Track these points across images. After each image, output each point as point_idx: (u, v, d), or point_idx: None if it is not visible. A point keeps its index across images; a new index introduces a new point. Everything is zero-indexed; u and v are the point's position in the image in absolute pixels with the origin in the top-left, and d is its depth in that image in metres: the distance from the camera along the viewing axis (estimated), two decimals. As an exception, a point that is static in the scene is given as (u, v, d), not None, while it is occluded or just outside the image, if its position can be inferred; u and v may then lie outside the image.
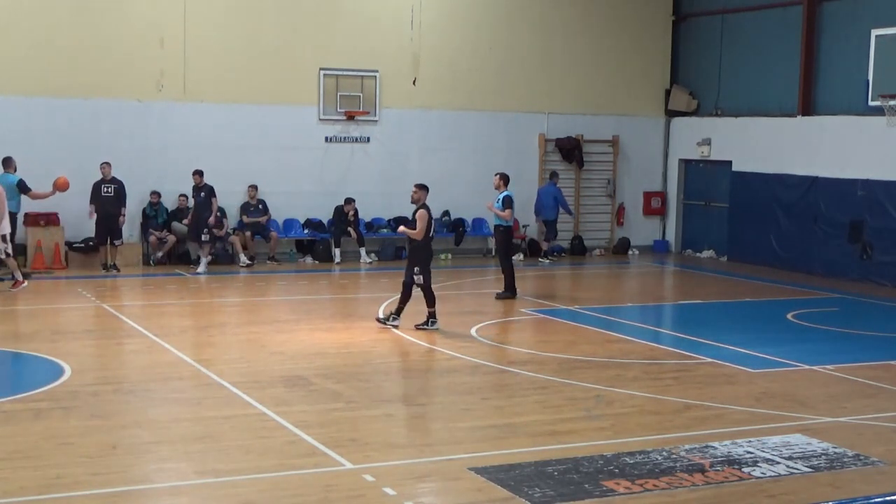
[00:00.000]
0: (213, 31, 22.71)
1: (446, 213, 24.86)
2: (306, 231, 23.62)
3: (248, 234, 22.64)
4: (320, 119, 23.79)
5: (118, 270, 20.78)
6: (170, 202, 22.46)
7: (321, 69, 23.56)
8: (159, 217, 22.18)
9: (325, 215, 23.73)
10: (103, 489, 8.01)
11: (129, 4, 22.07)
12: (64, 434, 9.47)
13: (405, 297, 15.20)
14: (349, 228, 23.31)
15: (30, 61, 21.34)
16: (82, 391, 11.06)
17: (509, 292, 18.26)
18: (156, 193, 22.16)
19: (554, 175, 25.05)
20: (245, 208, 22.85)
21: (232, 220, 22.68)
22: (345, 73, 23.77)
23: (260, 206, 22.95)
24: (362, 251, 23.44)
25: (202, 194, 21.34)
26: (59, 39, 21.53)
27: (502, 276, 18.55)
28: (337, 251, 23.25)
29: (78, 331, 15.13)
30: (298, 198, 23.57)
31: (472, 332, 14.90)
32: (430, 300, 15.14)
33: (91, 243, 21.47)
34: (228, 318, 16.34)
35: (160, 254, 22.08)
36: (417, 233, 15.19)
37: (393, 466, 8.74)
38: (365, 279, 21.85)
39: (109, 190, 20.97)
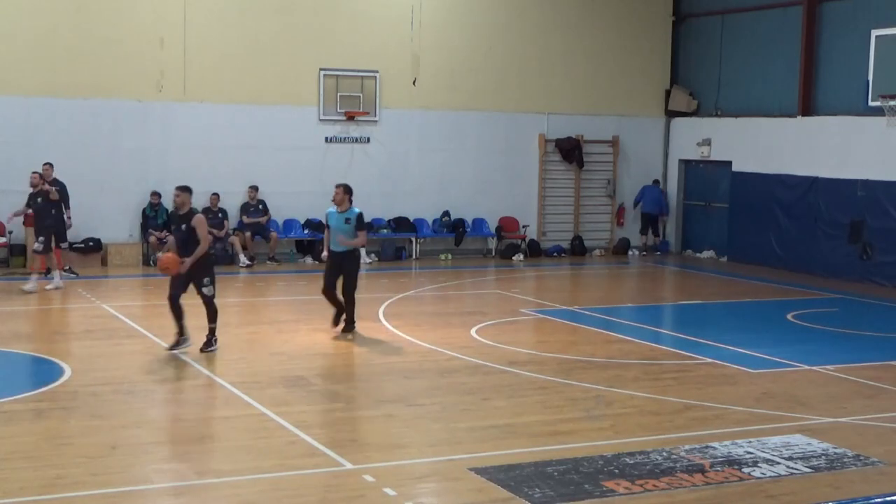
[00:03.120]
0: (213, 32, 22.71)
1: (446, 213, 24.85)
2: (306, 231, 23.61)
3: (247, 234, 22.63)
4: (320, 119, 23.79)
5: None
6: (169, 203, 22.46)
7: (321, 69, 23.56)
8: (159, 217, 22.16)
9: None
10: (103, 489, 8.01)
11: (129, 5, 22.06)
12: (64, 434, 9.47)
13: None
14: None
15: (30, 61, 21.34)
16: (82, 391, 11.06)
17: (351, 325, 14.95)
18: (156, 194, 22.14)
19: (657, 182, 26.36)
20: (245, 209, 22.85)
21: (232, 221, 22.68)
22: (345, 73, 23.77)
23: (260, 207, 22.95)
24: (362, 251, 23.41)
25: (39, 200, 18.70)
26: (59, 39, 21.52)
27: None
28: (337, 251, 23.22)
29: (78, 331, 15.13)
30: (298, 198, 23.56)
31: (473, 332, 14.90)
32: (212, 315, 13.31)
33: (90, 244, 21.47)
34: (228, 319, 16.30)
35: (159, 254, 22.07)
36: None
37: (393, 467, 8.74)
38: (364, 279, 21.77)
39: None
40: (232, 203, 22.76)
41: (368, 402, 11.00)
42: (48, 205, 18.42)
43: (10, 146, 20.89)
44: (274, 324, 15.57)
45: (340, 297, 14.58)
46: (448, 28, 24.79)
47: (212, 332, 13.23)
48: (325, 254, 14.77)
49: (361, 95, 23.99)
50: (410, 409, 10.67)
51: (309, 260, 23.27)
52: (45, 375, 11.61)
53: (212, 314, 13.20)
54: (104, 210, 21.74)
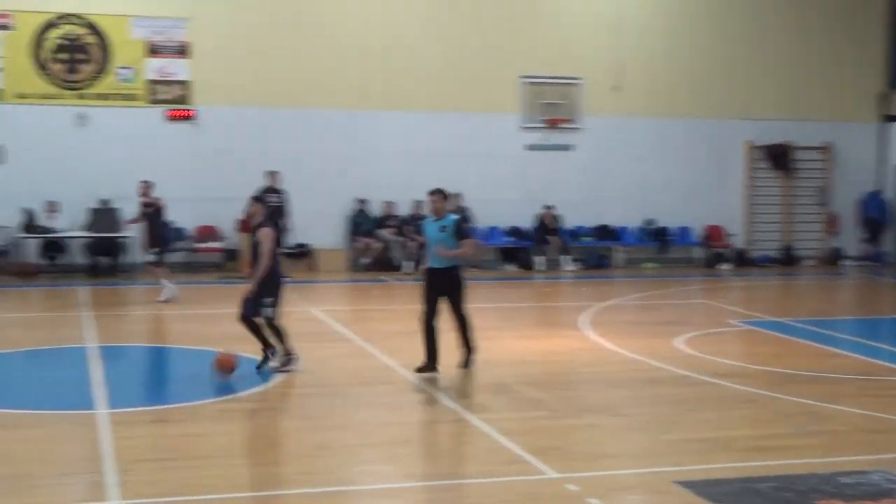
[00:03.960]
0: (417, 41, 23.12)
1: (650, 221, 24.49)
2: (508, 239, 23.68)
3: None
4: (521, 127, 23.85)
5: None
6: (375, 209, 22.94)
7: (522, 77, 23.61)
8: (365, 223, 22.64)
9: (528, 223, 23.75)
10: (312, 489, 8.18)
11: (335, 18, 22.70)
12: (275, 434, 9.74)
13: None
14: (551, 236, 23.25)
15: (246, 74, 22.24)
16: (292, 393, 11.37)
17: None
18: (361, 200, 22.64)
19: (878, 191, 25.68)
20: (448, 216, 23.10)
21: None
22: (547, 80, 23.75)
23: (462, 214, 23.15)
24: (565, 259, 23.34)
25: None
26: (273, 53, 22.35)
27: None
28: (539, 259, 23.22)
29: (289, 334, 15.55)
30: (500, 206, 23.67)
31: (677, 342, 14.59)
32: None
33: (301, 249, 22.12)
34: (432, 324, 16.49)
35: (366, 259, 22.55)
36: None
37: (597, 477, 8.62)
38: (567, 288, 21.74)
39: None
40: (435, 210, 23.06)
41: (572, 411, 10.90)
42: (156, 215, 18.17)
43: (224, 155, 21.86)
44: (477, 330, 15.61)
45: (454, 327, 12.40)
46: (651, 33, 24.47)
47: (287, 351, 12.25)
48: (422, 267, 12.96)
49: (563, 103, 23.92)
50: (614, 419, 10.51)
51: (511, 267, 23.33)
52: (257, 377, 11.97)
53: (277, 337, 12.22)
54: (314, 216, 22.35)
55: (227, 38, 22.30)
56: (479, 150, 23.57)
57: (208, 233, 22.35)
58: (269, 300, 12.05)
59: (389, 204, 22.91)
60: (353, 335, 14.82)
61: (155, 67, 22.25)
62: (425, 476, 8.61)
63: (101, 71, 22.01)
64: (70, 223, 21.25)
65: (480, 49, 23.53)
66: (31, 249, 21.43)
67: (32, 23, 21.66)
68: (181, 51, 22.28)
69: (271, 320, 12.11)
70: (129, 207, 21.42)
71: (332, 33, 22.76)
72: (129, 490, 7.86)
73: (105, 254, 21.48)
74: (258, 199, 12.65)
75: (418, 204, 22.61)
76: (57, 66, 21.82)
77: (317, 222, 22.53)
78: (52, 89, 21.78)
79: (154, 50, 22.22)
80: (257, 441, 9.50)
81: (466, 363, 12.39)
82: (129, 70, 22.12)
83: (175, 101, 22.32)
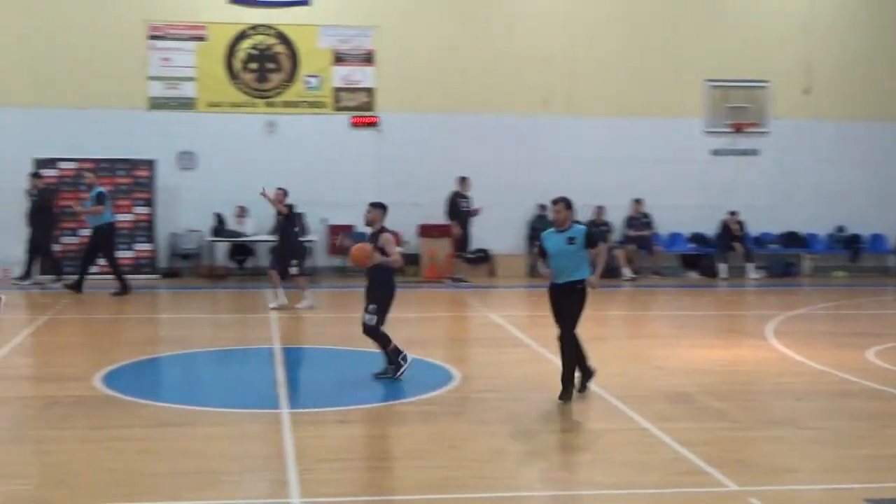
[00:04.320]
0: (598, 46, 22.94)
1: (841, 228, 23.64)
2: (691, 245, 23.23)
3: (632, 247, 22.58)
4: (705, 131, 23.37)
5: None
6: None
7: (706, 80, 23.14)
8: (545, 229, 22.60)
9: (711, 229, 23.25)
10: (489, 493, 8.16)
11: (517, 23, 22.75)
12: (453, 437, 9.77)
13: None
14: (735, 243, 22.70)
15: (428, 81, 22.53)
16: (470, 397, 11.39)
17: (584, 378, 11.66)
18: (541, 206, 22.59)
19: None
20: (630, 222, 22.82)
21: (617, 233, 22.73)
22: (732, 84, 23.22)
23: (644, 220, 22.84)
24: (749, 266, 22.74)
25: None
26: (456, 59, 22.57)
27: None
28: (722, 266, 22.71)
29: (467, 338, 15.66)
30: (683, 211, 23.25)
31: (869, 354, 13.99)
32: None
33: (480, 254, 22.23)
34: (610, 332, 16.31)
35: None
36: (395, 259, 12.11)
37: (781, 491, 8.32)
38: (751, 296, 21.17)
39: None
40: (615, 216, 22.81)
41: (755, 423, 10.57)
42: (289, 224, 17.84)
43: (404, 162, 22.20)
44: (656, 338, 15.38)
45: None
46: (843, 33, 23.62)
47: (388, 358, 11.94)
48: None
49: (750, 106, 23.33)
50: (800, 433, 10.13)
51: (693, 274, 22.88)
52: (436, 380, 12.05)
53: (380, 343, 11.94)
54: (493, 222, 22.43)
55: (411, 45, 22.64)
56: (661, 155, 23.22)
57: (390, 237, 22.66)
58: (373, 307, 11.82)
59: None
60: (530, 341, 14.77)
61: (340, 75, 22.74)
62: (602, 484, 8.48)
63: (289, 80, 22.64)
64: (258, 227, 21.91)
65: (663, 52, 23.19)
66: (221, 253, 22.19)
67: (225, 34, 22.46)
68: (366, 59, 22.72)
69: (370, 327, 11.82)
70: (314, 212, 22.02)
71: (514, 39, 22.82)
72: (309, 489, 8.01)
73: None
74: (377, 205, 12.40)
75: (600, 210, 22.45)
76: (247, 76, 22.56)
77: (496, 228, 22.60)
78: (243, 98, 22.53)
79: (340, 58, 22.72)
80: (434, 444, 9.54)
81: (583, 387, 11.32)
82: (316, 78, 22.68)
83: (359, 108, 22.77)
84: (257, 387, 11.64)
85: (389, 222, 22.45)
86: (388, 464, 8.84)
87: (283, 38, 22.64)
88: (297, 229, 18.11)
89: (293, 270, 17.26)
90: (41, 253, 20.47)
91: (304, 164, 22.39)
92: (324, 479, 8.33)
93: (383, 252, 11.81)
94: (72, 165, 21.72)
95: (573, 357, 11.04)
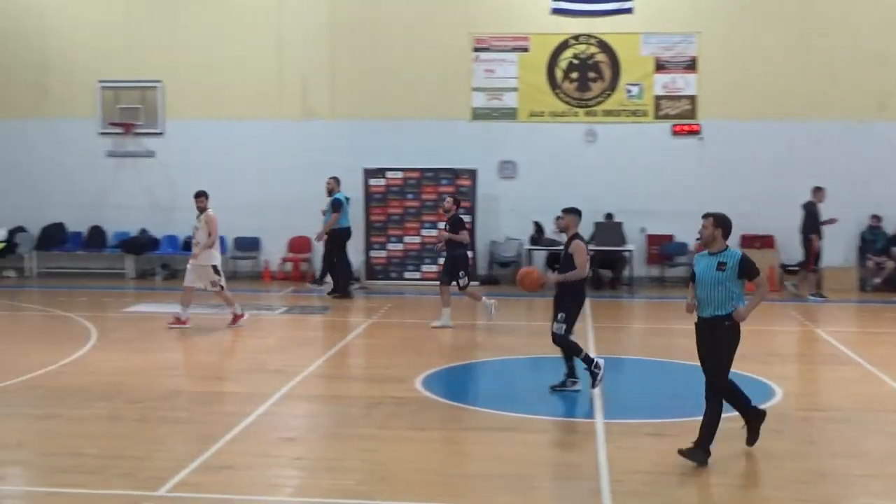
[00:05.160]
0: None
1: None
2: None
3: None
4: None
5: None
6: (890, 226, 21.58)
7: None
8: (878, 242, 21.34)
9: None
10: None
11: (849, 23, 21.68)
12: (772, 456, 9.33)
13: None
14: None
15: (752, 86, 21.87)
16: (792, 415, 10.88)
17: None
18: (876, 217, 21.36)
19: None
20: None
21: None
22: None
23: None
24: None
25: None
26: (781, 64, 21.78)
27: None
28: None
29: (790, 354, 15.00)
30: None
31: None
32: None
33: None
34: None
35: (877, 280, 21.24)
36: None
37: None
38: None
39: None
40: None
41: None
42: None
43: (737, 168, 21.59)
44: None
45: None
46: None
47: (570, 370, 11.71)
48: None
49: None
50: None
51: None
52: (756, 396, 11.58)
53: (565, 355, 11.69)
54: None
55: (735, 50, 22.03)
56: None
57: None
58: (561, 315, 11.52)
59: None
60: (860, 359, 13.93)
61: (662, 83, 22.43)
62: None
63: (610, 88, 22.56)
64: (576, 236, 21.90)
65: None
66: (539, 261, 22.39)
67: (547, 44, 22.66)
68: (689, 66, 22.29)
69: (559, 336, 11.53)
70: (632, 222, 21.83)
71: (844, 40, 21.70)
72: (620, 500, 7.89)
73: (608, 267, 21.90)
74: (571, 210, 12.04)
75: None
76: (568, 85, 22.66)
77: (825, 239, 21.53)
78: (563, 107, 22.65)
79: (662, 66, 22.41)
80: (744, 463, 9.15)
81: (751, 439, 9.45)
82: (636, 86, 22.48)
83: (680, 115, 22.36)
84: (572, 396, 11.61)
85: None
86: (702, 479, 8.56)
87: (605, 47, 22.58)
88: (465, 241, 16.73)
89: (462, 282, 16.33)
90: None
91: (623, 172, 22.24)
92: (636, 491, 8.19)
93: (574, 258, 11.55)
94: (398, 175, 22.59)
95: (717, 418, 9.08)
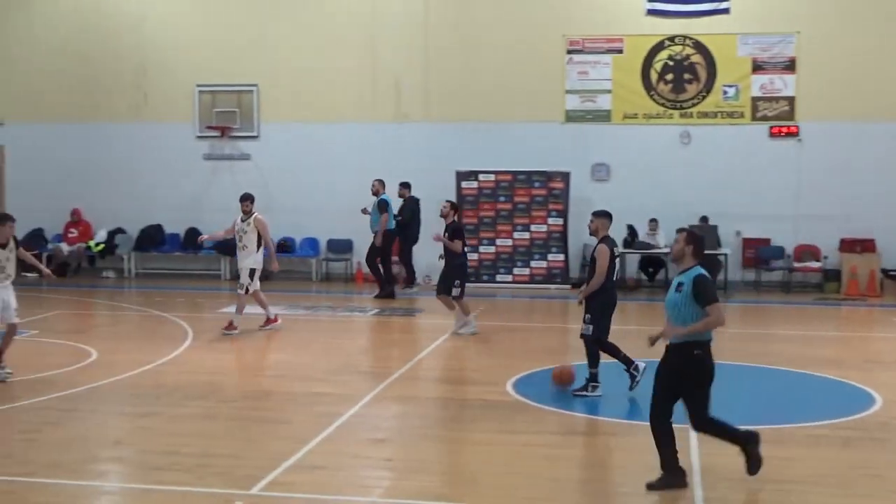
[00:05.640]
0: None
1: None
2: None
3: None
4: None
5: None
6: None
7: None
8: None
9: None
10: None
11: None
12: (876, 466, 9.10)
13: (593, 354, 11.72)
14: None
15: (851, 87, 21.42)
16: (894, 423, 10.60)
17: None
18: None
19: None
20: None
21: None
22: None
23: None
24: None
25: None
26: (876, 63, 21.34)
27: None
28: None
29: (892, 361, 14.62)
30: None
31: None
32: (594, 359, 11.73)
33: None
34: None
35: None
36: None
37: None
38: None
39: None
40: None
41: None
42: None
43: (838, 170, 21.19)
44: None
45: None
46: None
47: (592, 377, 11.68)
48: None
49: None
50: None
51: None
52: (855, 404, 11.33)
53: (589, 357, 11.68)
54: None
55: (835, 50, 21.57)
56: None
57: (808, 252, 21.68)
58: (588, 316, 11.57)
59: None
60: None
61: (759, 84, 22.07)
62: None
63: (705, 90, 22.27)
64: (669, 239, 21.68)
65: None
66: (632, 264, 22.17)
67: (642, 46, 22.46)
68: (788, 66, 21.90)
69: (587, 338, 11.58)
70: (727, 225, 21.53)
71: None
72: (713, 508, 7.76)
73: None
74: (601, 213, 11.71)
75: None
76: (663, 87, 22.42)
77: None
78: (658, 109, 22.41)
79: (759, 66, 22.04)
80: (849, 471, 8.93)
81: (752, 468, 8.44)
82: (733, 87, 22.15)
83: (778, 117, 21.97)
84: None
85: (809, 236, 21.64)
86: (796, 487, 8.38)
87: (701, 48, 22.29)
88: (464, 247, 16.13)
89: (455, 291, 15.73)
90: (402, 261, 21.36)
91: (719, 175, 21.94)
92: (728, 498, 8.08)
93: (596, 262, 11.48)
94: (490, 178, 22.58)
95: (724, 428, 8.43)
